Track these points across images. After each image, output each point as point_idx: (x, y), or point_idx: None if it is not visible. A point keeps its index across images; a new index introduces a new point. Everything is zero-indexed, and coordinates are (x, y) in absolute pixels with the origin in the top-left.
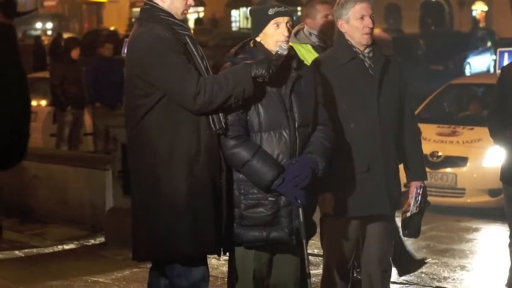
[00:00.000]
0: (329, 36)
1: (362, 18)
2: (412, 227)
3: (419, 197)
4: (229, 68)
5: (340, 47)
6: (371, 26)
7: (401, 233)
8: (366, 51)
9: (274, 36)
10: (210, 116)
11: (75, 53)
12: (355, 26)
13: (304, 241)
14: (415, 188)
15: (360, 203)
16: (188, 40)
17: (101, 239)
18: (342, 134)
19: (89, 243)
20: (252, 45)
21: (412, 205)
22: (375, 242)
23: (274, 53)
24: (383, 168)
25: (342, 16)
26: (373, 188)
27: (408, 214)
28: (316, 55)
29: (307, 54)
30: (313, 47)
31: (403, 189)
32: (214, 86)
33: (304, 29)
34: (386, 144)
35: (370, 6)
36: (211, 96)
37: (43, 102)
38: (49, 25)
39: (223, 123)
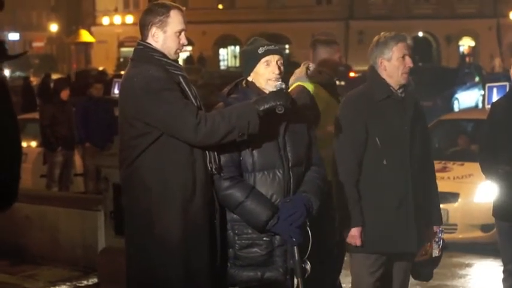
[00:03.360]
0: (335, 73)
1: (403, 57)
2: (427, 270)
3: (441, 241)
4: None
5: (375, 84)
6: (412, 65)
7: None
8: (399, 90)
9: (265, 75)
10: (207, 155)
11: (64, 94)
12: (396, 65)
13: (299, 280)
14: (436, 231)
15: (389, 240)
16: (181, 80)
17: (93, 280)
18: (374, 170)
19: (82, 285)
20: (244, 84)
21: (434, 248)
22: (398, 279)
23: (266, 91)
24: (413, 205)
25: (383, 55)
26: (404, 225)
27: (429, 257)
28: (325, 92)
29: (319, 92)
30: (322, 84)
31: None
32: (217, 117)
33: (310, 66)
34: (417, 182)
35: (410, 46)
36: (214, 126)
37: (33, 144)
38: None
39: (218, 163)
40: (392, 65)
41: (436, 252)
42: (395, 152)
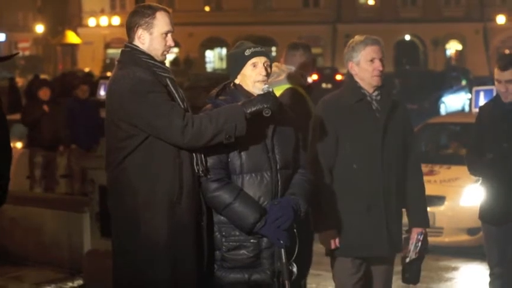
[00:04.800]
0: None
1: (372, 60)
2: (412, 273)
3: (420, 243)
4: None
5: (348, 88)
6: (381, 68)
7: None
8: (374, 93)
9: (252, 77)
10: (194, 157)
11: (43, 93)
12: (365, 68)
13: (286, 282)
14: (416, 234)
15: (360, 244)
16: (169, 82)
17: (79, 282)
18: (344, 174)
19: (67, 286)
20: (232, 86)
21: (411, 251)
22: (380, 282)
23: (254, 94)
24: (384, 210)
25: (352, 58)
26: (373, 229)
27: (407, 260)
28: (306, 95)
29: (303, 95)
30: (303, 87)
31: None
32: (204, 119)
33: (294, 71)
34: (388, 186)
35: (380, 49)
36: (201, 129)
37: (18, 144)
38: None
39: (205, 165)
40: (361, 69)
41: (412, 255)
42: (366, 156)
